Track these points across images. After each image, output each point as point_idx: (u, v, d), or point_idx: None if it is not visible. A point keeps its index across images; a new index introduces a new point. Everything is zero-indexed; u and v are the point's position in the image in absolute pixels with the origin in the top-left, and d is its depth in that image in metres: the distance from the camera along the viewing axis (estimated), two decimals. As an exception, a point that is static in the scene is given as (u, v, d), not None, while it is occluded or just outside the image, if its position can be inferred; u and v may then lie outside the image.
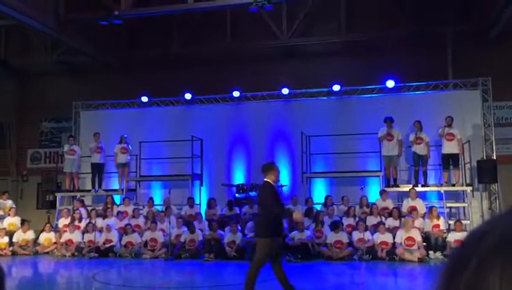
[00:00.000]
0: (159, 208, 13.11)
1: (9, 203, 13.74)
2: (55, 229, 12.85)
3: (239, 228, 11.16)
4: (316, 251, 10.61)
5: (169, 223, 11.40)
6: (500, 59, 13.47)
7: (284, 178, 13.52)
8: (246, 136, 14.15)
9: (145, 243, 11.47)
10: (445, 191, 11.81)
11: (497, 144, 12.86)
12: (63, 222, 12.82)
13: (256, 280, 6.06)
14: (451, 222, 11.14)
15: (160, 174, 14.35)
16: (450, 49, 13.84)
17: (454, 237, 10.30)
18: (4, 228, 12.52)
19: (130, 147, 13.87)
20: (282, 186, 13.03)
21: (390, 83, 13.22)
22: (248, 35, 15.49)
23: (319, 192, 13.17)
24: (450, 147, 11.86)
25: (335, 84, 13.56)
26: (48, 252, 12.23)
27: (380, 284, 8.34)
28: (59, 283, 9.20)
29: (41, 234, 12.58)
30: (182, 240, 11.11)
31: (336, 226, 10.68)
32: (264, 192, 6.32)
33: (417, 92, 13.26)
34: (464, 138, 12.22)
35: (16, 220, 13.05)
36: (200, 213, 12.39)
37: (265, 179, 6.33)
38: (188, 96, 14.42)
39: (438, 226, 10.83)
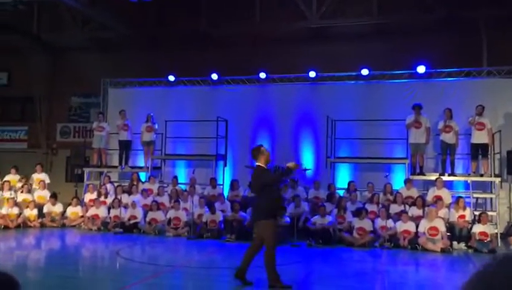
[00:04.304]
0: (182, 187, 13.28)
1: (42, 175, 14.11)
2: (82, 203, 13.19)
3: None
4: (338, 236, 10.60)
5: (193, 202, 11.54)
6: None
7: (308, 162, 13.49)
8: (271, 119, 14.11)
9: (169, 221, 11.67)
10: (472, 181, 11.59)
11: (529, 134, 12.48)
12: (88, 196, 13.14)
13: (275, 263, 6.14)
14: (478, 213, 10.95)
15: (185, 153, 14.50)
16: (484, 35, 13.38)
17: (479, 228, 10.13)
18: (34, 200, 12.91)
19: (155, 125, 14.02)
20: (306, 170, 13.00)
21: (421, 69, 12.92)
22: (277, 16, 15.29)
23: (343, 177, 13.09)
24: (479, 137, 11.58)
25: (363, 68, 13.33)
26: (74, 225, 12.60)
27: (401, 272, 8.30)
28: (85, 257, 9.48)
29: (68, 208, 12.94)
30: (204, 220, 11.25)
31: (360, 212, 10.63)
32: (259, 176, 6.33)
33: (448, 79, 12.93)
34: (494, 127, 11.90)
35: (45, 193, 13.43)
36: (222, 194, 12.49)
37: (257, 163, 6.35)
38: (214, 76, 14.42)
39: (463, 216, 10.65)
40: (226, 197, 12.41)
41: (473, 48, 13.48)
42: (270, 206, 6.24)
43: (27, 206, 12.61)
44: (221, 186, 13.36)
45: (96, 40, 16.89)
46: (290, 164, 6.36)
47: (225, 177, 13.82)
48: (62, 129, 18.26)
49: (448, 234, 10.24)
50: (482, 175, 11.70)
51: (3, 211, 12.16)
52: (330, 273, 7.73)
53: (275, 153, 13.81)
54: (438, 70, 12.99)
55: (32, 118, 18.26)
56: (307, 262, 8.83)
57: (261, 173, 6.33)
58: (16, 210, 12.32)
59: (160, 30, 16.05)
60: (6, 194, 12.89)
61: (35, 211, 12.58)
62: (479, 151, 11.71)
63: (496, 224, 10.84)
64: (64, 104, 18.14)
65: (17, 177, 13.87)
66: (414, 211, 10.87)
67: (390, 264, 8.91)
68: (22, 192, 13.21)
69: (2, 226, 11.86)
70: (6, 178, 13.62)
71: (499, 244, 10.26)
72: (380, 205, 11.23)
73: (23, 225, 12.24)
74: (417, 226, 10.22)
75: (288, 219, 10.72)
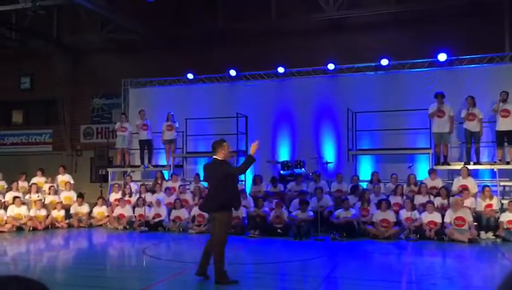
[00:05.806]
0: (204, 183, 13.34)
1: (66, 177, 14.36)
2: (108, 203, 13.40)
3: (283, 205, 11.22)
4: (362, 229, 10.54)
5: (216, 199, 11.58)
6: None
7: (329, 155, 13.42)
8: (291, 113, 14.07)
9: (193, 219, 11.76)
10: (498, 169, 11.38)
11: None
12: (114, 196, 13.35)
13: (224, 258, 6.06)
14: (505, 202, 10.75)
15: (206, 150, 14.50)
16: (506, 19, 13.07)
17: (507, 217, 9.95)
18: (61, 202, 13.17)
19: (176, 124, 14.13)
20: (327, 163, 12.94)
21: (442, 56, 12.69)
22: (293, 9, 15.22)
23: (365, 169, 12.99)
24: (504, 124, 11.36)
25: (383, 58, 13.16)
26: (101, 225, 12.81)
27: (428, 264, 8.20)
28: (112, 256, 9.64)
29: (94, 208, 13.17)
30: (228, 216, 11.28)
31: (380, 204, 10.54)
32: (218, 168, 6.24)
33: (471, 66, 12.68)
34: (520, 113, 11.63)
35: (72, 194, 13.68)
36: (244, 190, 12.51)
37: (214, 157, 6.31)
38: (232, 72, 14.44)
39: (490, 205, 10.48)
40: (248, 192, 12.44)
41: (495, 34, 13.18)
42: (228, 198, 6.14)
43: (54, 208, 12.87)
44: (243, 182, 13.39)
45: (115, 41, 17.10)
46: (251, 150, 6.17)
47: (246, 173, 13.81)
48: (85, 131, 18.56)
49: (476, 223, 10.08)
50: (508, 163, 11.48)
51: (32, 213, 12.43)
52: (356, 267, 7.69)
53: (295, 147, 13.81)
54: (460, 57, 12.74)
55: (56, 121, 18.60)
56: (331, 256, 8.80)
57: (220, 165, 6.23)
58: (43, 212, 12.59)
59: (178, 29, 16.14)
60: (34, 196, 13.18)
61: (62, 212, 12.83)
62: (504, 139, 11.49)
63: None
64: (86, 105, 18.44)
65: (44, 179, 14.16)
66: (439, 201, 10.72)
67: (417, 256, 8.81)
68: (49, 194, 13.49)
69: (31, 228, 12.13)
70: (33, 180, 13.92)
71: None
72: (405, 197, 11.11)
73: (51, 226, 12.49)
74: (443, 217, 10.08)
75: (311, 213, 10.69)
